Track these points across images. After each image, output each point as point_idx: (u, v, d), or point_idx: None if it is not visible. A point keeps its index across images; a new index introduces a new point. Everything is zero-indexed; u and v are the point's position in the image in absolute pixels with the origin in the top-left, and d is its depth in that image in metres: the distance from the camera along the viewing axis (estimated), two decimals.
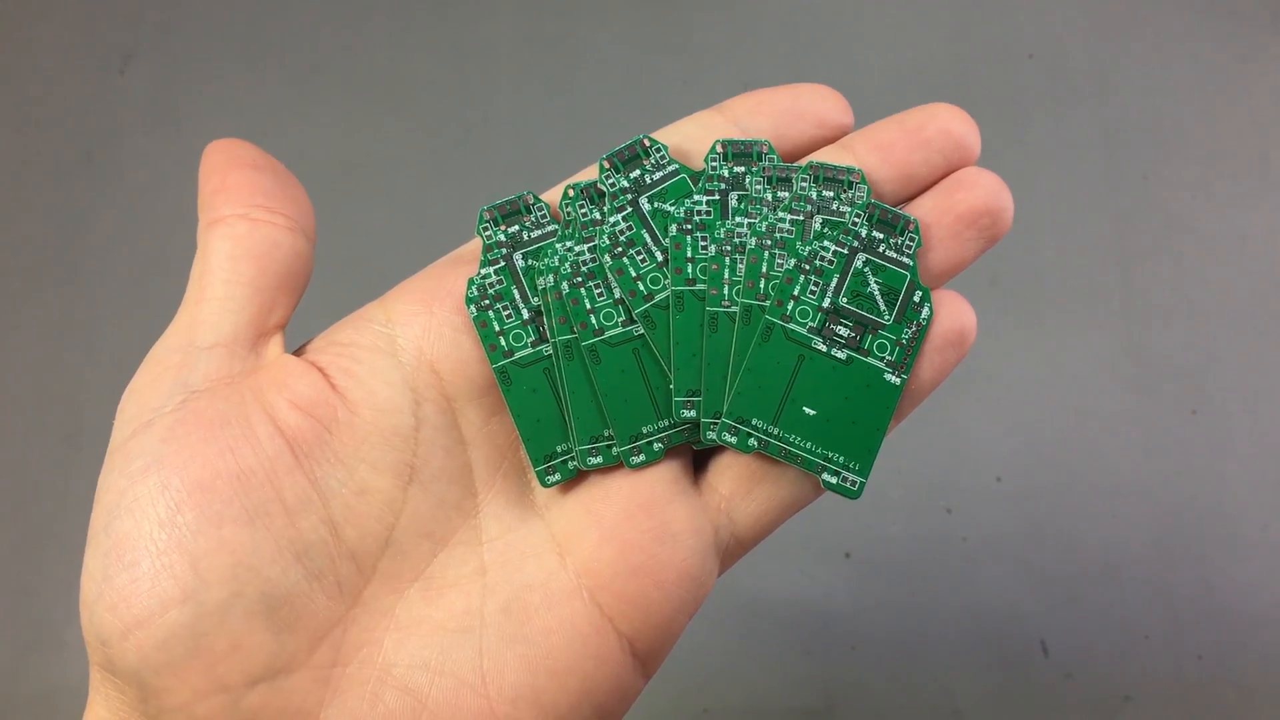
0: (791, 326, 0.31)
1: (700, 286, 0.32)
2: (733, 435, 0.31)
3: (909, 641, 0.73)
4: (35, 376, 0.79)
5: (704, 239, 0.32)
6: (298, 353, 0.32)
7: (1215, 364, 0.77)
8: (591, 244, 0.32)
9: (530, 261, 0.32)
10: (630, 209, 0.32)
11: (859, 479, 0.31)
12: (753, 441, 0.31)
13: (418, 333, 0.31)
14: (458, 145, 0.83)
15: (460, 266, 0.33)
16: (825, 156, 0.33)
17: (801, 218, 0.32)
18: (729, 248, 0.32)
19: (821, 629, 0.73)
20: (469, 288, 0.32)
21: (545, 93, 0.85)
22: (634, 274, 0.32)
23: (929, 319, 0.32)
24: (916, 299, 0.32)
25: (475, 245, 0.33)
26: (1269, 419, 0.76)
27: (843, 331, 0.31)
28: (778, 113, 0.34)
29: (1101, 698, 0.72)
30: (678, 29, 0.86)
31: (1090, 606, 0.73)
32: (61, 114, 0.85)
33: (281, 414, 0.29)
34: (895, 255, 0.32)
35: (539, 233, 0.33)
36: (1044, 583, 0.74)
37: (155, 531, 0.27)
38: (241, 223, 0.31)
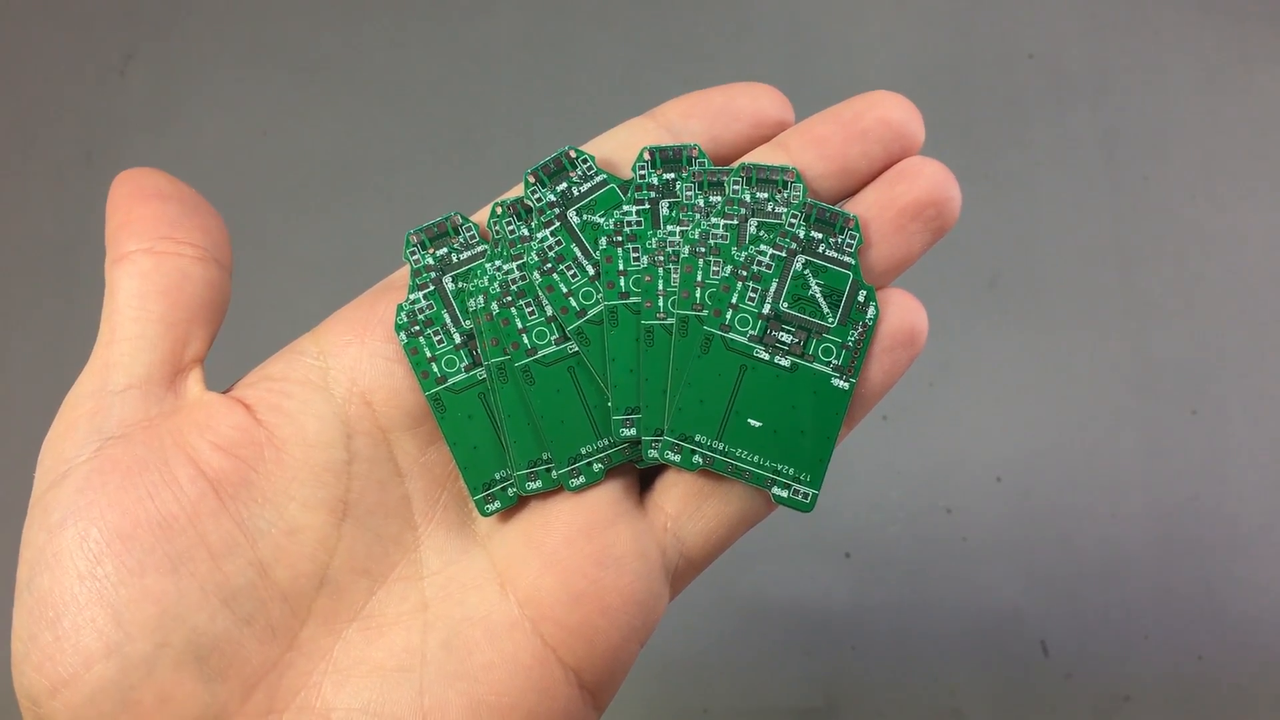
0: (731, 336, 0.30)
1: (634, 300, 0.31)
2: (676, 453, 0.30)
3: (909, 641, 0.73)
4: (35, 377, 0.79)
5: (635, 250, 0.31)
6: (228, 390, 0.31)
7: (1215, 364, 0.77)
8: (520, 262, 0.31)
9: (460, 284, 0.31)
10: (558, 223, 0.31)
11: (811, 490, 0.30)
12: (697, 459, 0.30)
13: (349, 364, 0.30)
14: (458, 145, 0.83)
15: (391, 293, 0.32)
16: (759, 156, 0.32)
17: (735, 222, 0.31)
18: (662, 258, 0.31)
19: (821, 629, 0.73)
20: (398, 314, 0.31)
21: (545, 93, 0.85)
22: (565, 290, 0.31)
23: (875, 319, 0.30)
24: (861, 299, 0.30)
25: (406, 271, 0.32)
26: (1269, 419, 0.76)
27: (785, 338, 0.30)
28: (711, 114, 0.33)
29: (1101, 698, 0.71)
30: (677, 29, 0.86)
31: (1090, 606, 0.73)
32: (61, 114, 0.85)
33: (203, 455, 0.28)
34: (836, 255, 0.30)
35: (468, 254, 0.32)
36: (1044, 583, 0.73)
37: (75, 586, 0.27)
38: (147, 257, 0.30)
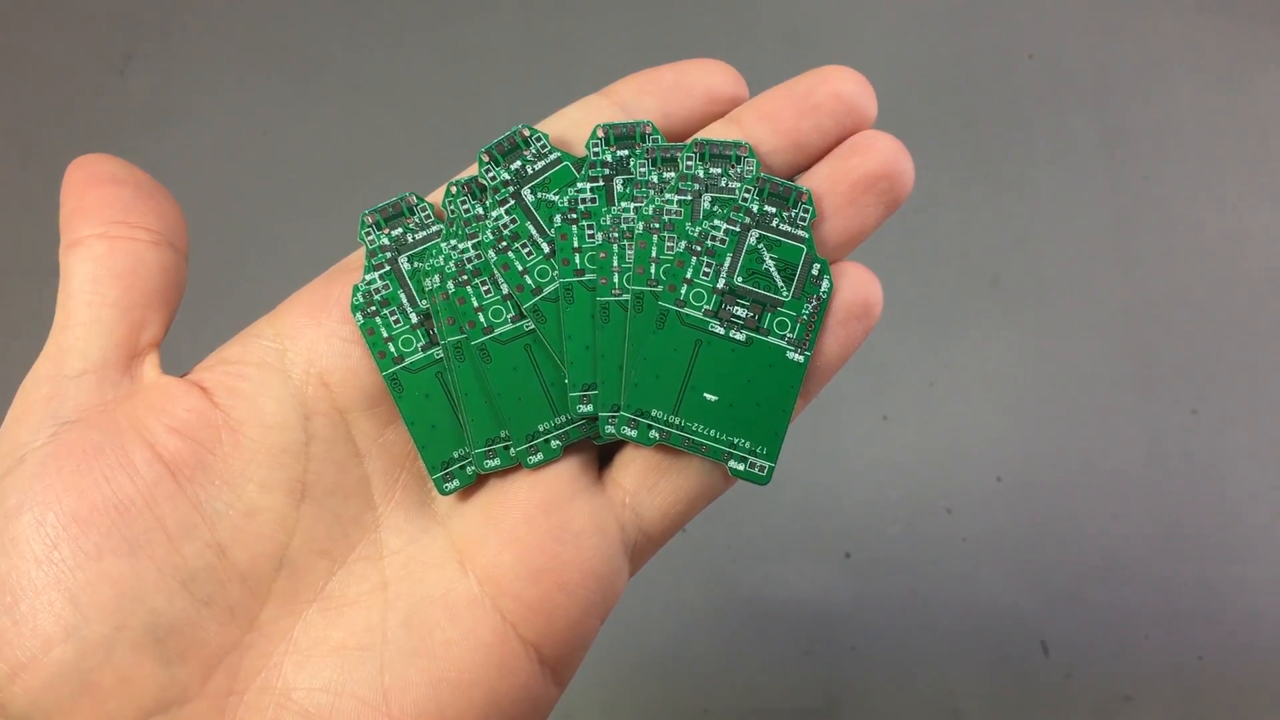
0: (686, 311, 0.30)
1: (589, 276, 0.31)
2: (632, 428, 0.30)
3: (909, 641, 0.72)
4: None
5: (590, 227, 0.31)
6: (185, 374, 0.31)
7: (1215, 364, 0.77)
8: (475, 240, 0.31)
9: (416, 264, 0.32)
10: (513, 201, 0.31)
11: (767, 463, 0.30)
12: (654, 433, 0.30)
13: (306, 346, 0.31)
14: (457, 145, 0.84)
15: (347, 274, 0.32)
16: (713, 131, 0.32)
17: (689, 198, 0.31)
18: (616, 234, 0.31)
19: (821, 629, 0.73)
20: (354, 295, 0.31)
21: (545, 93, 0.85)
22: (520, 268, 0.31)
23: (829, 292, 0.30)
24: (815, 272, 0.30)
25: (362, 253, 0.33)
26: (1269, 419, 0.75)
27: (740, 312, 0.30)
28: (664, 91, 0.33)
29: (1101, 698, 0.71)
30: (676, 29, 0.86)
31: (1090, 606, 0.72)
32: (61, 114, 0.86)
33: (160, 439, 0.28)
34: (789, 229, 0.30)
35: (423, 234, 0.32)
36: (1044, 583, 0.73)
37: (32, 570, 0.26)
38: (100, 242, 0.30)
